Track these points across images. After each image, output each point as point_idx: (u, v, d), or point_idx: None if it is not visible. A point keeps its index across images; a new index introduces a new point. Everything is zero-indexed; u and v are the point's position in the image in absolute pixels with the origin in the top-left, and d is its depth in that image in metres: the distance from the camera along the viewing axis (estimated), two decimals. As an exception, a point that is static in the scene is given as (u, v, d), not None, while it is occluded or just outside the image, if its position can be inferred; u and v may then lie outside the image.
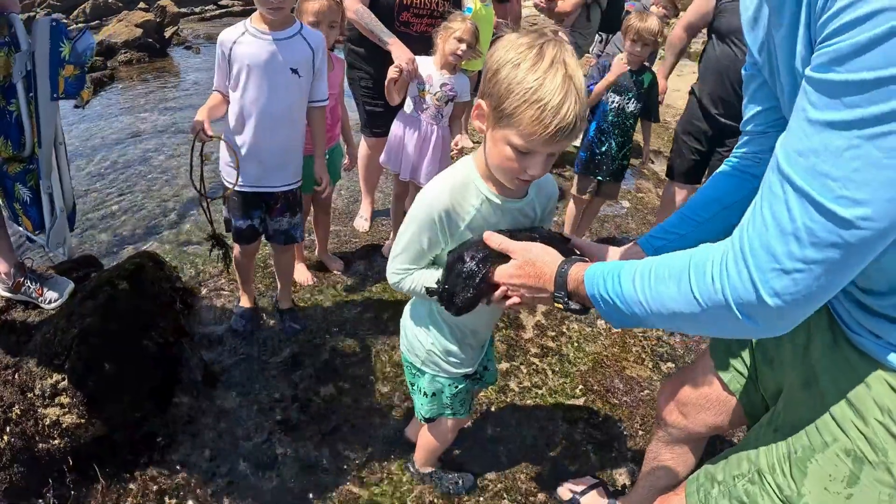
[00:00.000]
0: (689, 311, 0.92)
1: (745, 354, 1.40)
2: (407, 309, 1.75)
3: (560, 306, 1.19)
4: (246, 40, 2.26)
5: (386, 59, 2.93)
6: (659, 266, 0.98)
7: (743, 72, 1.25)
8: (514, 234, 1.32)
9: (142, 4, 11.16)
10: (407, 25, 3.08)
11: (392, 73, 2.75)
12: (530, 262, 1.23)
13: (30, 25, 2.10)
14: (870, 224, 0.73)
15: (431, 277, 1.44)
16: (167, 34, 10.15)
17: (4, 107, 2.09)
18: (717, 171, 1.40)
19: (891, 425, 0.94)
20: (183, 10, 11.66)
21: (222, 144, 2.40)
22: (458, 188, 1.38)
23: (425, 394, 1.77)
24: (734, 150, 1.38)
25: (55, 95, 2.18)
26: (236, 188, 2.43)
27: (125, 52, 9.00)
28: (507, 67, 1.15)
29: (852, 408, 0.99)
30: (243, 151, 2.39)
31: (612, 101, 3.14)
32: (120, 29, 9.30)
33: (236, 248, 2.72)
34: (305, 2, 2.62)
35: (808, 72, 0.77)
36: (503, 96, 1.16)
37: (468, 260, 1.29)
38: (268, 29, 2.26)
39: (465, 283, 1.30)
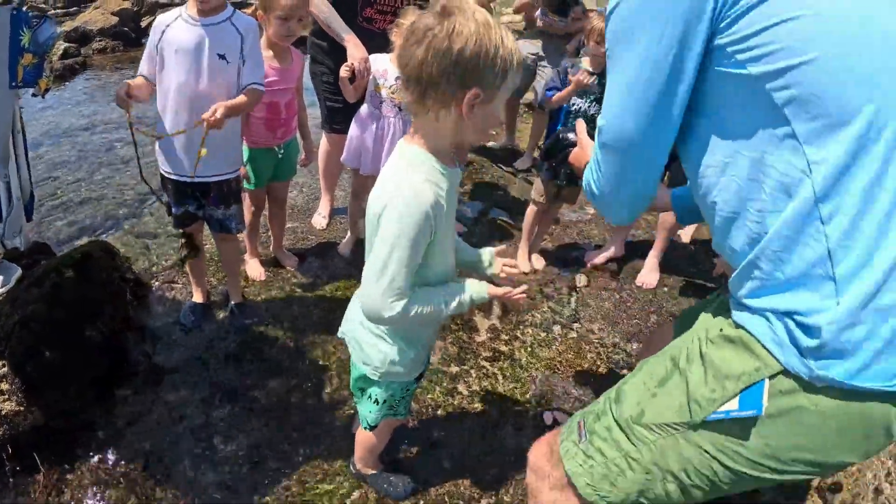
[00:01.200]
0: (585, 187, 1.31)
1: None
2: (359, 323, 1.65)
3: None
4: (178, 25, 2.28)
5: (343, 54, 2.89)
6: None
7: None
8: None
9: (118, -8, 11.00)
10: (370, 21, 3.05)
11: (343, 72, 2.71)
12: (585, 146, 1.68)
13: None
14: (605, 133, 1.15)
15: (446, 297, 1.47)
16: (143, 24, 10.03)
17: None
18: None
19: (704, 344, 1.14)
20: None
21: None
22: (430, 177, 1.37)
23: (377, 401, 1.74)
24: None
25: (13, 84, 2.17)
26: (170, 176, 2.45)
27: (100, 41, 8.89)
28: (470, 45, 1.21)
29: (692, 330, 1.22)
30: (172, 140, 2.38)
31: (574, 105, 3.10)
32: (96, 16, 9.18)
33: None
34: None
35: None
36: (474, 62, 1.23)
37: (570, 137, 1.81)
38: (198, 15, 2.28)
39: (563, 148, 1.83)
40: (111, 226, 3.78)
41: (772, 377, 1.02)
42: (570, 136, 1.78)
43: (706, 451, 1.12)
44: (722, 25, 0.97)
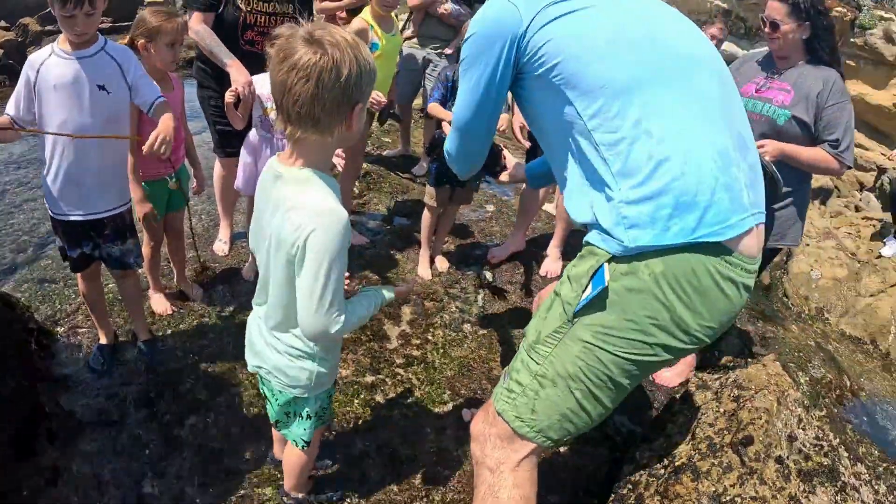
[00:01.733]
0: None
1: None
2: (274, 350, 1.69)
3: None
4: (52, 61, 2.24)
5: (227, 77, 2.94)
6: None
7: None
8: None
9: (2, 23, 10.47)
10: (252, 44, 3.08)
11: (228, 97, 2.74)
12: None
13: None
14: (455, 120, 1.72)
15: (368, 302, 1.65)
16: (29, 54, 9.60)
17: None
18: None
19: (569, 271, 1.53)
20: (48, 27, 11.00)
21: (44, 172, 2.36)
22: (333, 191, 1.47)
23: (309, 416, 1.80)
24: None
25: None
26: (60, 218, 2.41)
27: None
28: (353, 70, 1.35)
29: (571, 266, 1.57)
30: (59, 177, 2.34)
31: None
32: (-23, 49, 8.71)
33: (80, 281, 2.63)
34: (161, 22, 2.59)
35: None
36: (367, 82, 1.42)
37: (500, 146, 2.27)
38: (71, 49, 2.25)
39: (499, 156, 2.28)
40: (7, 273, 3.64)
41: (609, 262, 1.42)
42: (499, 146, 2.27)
43: (587, 342, 1.44)
44: (522, 53, 1.52)
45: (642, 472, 2.11)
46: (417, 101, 5.35)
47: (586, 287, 1.43)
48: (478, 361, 3.00)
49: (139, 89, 2.36)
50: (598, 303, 1.41)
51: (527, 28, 1.48)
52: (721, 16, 5.08)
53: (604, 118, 1.41)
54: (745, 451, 1.94)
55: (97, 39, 2.31)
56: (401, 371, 2.89)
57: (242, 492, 2.27)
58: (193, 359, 2.86)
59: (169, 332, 3.02)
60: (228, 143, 3.30)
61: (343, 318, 1.50)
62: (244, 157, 3.06)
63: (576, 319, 1.46)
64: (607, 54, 1.43)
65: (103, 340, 2.82)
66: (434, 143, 2.14)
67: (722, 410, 2.19)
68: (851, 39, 9.69)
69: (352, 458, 2.43)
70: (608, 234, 1.42)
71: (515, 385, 1.55)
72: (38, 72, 2.23)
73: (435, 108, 3.20)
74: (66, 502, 2.19)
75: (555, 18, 1.46)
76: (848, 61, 8.26)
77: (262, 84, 2.87)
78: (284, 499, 2.19)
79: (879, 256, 6.14)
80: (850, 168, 2.70)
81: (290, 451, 1.99)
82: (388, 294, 1.75)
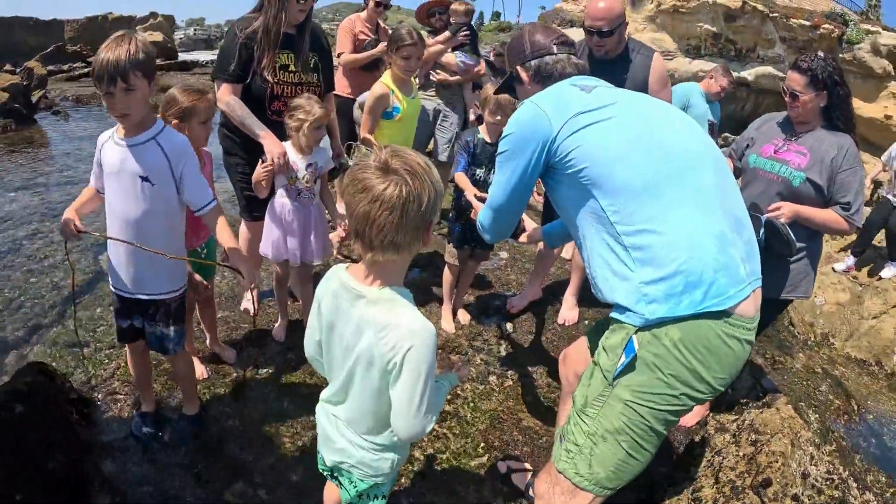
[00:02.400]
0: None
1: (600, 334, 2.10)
2: (361, 447, 1.74)
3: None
4: (108, 146, 2.28)
5: (254, 145, 3.07)
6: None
7: None
8: None
9: (7, 66, 10.59)
10: (278, 114, 3.17)
11: (261, 173, 2.85)
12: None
13: None
14: (491, 203, 2.11)
15: (442, 393, 1.75)
16: (34, 98, 9.70)
17: None
18: None
19: (604, 342, 1.81)
20: (51, 67, 11.15)
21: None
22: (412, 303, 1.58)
23: (384, 496, 1.88)
24: None
25: None
26: (113, 290, 2.48)
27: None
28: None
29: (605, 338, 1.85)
30: (114, 254, 2.40)
31: (475, 175, 3.35)
32: (-15, 93, 8.80)
33: (127, 353, 2.71)
34: (198, 102, 2.63)
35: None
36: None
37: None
38: (123, 135, 2.25)
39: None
40: (36, 339, 3.70)
41: (636, 333, 1.70)
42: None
43: (628, 401, 1.71)
44: (553, 155, 1.87)
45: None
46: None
47: (621, 356, 1.71)
48: (507, 413, 3.09)
49: (186, 188, 2.32)
50: (631, 367, 1.71)
51: (557, 134, 1.83)
52: (724, 67, 5.28)
53: (624, 214, 1.72)
54: (764, 493, 2.10)
55: (152, 125, 2.26)
56: (436, 427, 2.97)
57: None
58: (234, 422, 2.93)
59: (206, 396, 3.09)
60: (255, 208, 3.39)
61: (433, 418, 1.59)
62: (269, 224, 3.17)
63: (615, 382, 1.73)
64: (626, 161, 1.74)
65: (146, 408, 2.87)
66: (460, 210, 2.41)
67: (741, 454, 2.33)
68: (840, 55, 9.89)
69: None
70: (630, 310, 1.72)
71: (572, 446, 1.80)
72: (100, 152, 2.31)
73: (461, 180, 3.29)
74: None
75: (582, 128, 1.80)
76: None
77: (289, 153, 3.00)
78: None
79: (880, 278, 6.28)
80: (859, 228, 2.84)
81: None
82: (454, 380, 1.93)
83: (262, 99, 3.16)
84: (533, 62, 2.09)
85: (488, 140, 3.34)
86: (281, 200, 3.12)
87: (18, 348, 3.58)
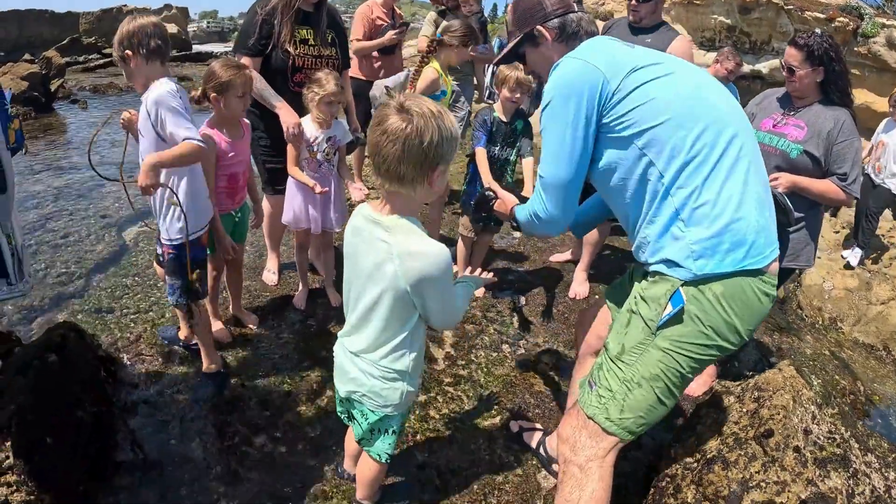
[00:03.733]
0: (529, 219, 2.10)
1: (620, 293, 2.19)
2: (372, 375, 1.87)
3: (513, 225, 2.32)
4: None
5: (276, 118, 3.21)
6: (529, 202, 2.11)
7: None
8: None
9: (26, 56, 10.77)
10: (300, 85, 3.29)
11: (291, 132, 3.10)
12: (505, 201, 2.39)
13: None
14: (547, 179, 1.92)
15: (466, 292, 2.01)
16: (53, 87, 9.87)
17: None
18: None
19: (640, 291, 1.87)
20: (67, 59, 11.32)
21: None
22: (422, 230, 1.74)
23: (395, 432, 2.01)
24: None
25: (8, 146, 2.37)
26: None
27: (11, 108, 8.65)
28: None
29: (630, 291, 1.95)
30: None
31: (493, 153, 3.47)
32: (5, 81, 8.99)
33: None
34: (231, 77, 2.76)
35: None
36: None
37: (489, 194, 2.47)
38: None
39: (486, 202, 2.48)
40: (63, 305, 3.83)
41: (683, 286, 1.74)
42: (489, 193, 2.48)
43: (667, 349, 1.78)
44: (607, 114, 1.79)
45: (677, 465, 2.34)
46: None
47: (665, 306, 1.76)
48: (519, 378, 3.19)
49: (163, 131, 2.45)
50: (675, 319, 1.76)
51: (615, 90, 1.75)
52: (731, 49, 5.31)
53: (679, 177, 1.73)
54: (766, 443, 2.17)
55: (151, 85, 2.49)
56: (450, 389, 3.08)
57: (312, 502, 2.44)
58: (255, 383, 3.05)
59: (229, 357, 3.21)
60: (278, 180, 3.52)
61: (463, 308, 1.93)
62: (291, 194, 3.30)
63: (657, 332, 1.79)
64: (686, 122, 1.72)
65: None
66: (480, 202, 2.49)
67: (745, 410, 2.41)
68: (855, 48, 9.87)
69: (413, 468, 2.60)
70: (678, 264, 1.76)
71: (605, 392, 1.86)
72: None
73: (481, 156, 3.44)
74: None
75: (643, 83, 1.74)
76: (853, 70, 8.41)
77: (307, 127, 3.12)
78: None
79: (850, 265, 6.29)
80: (856, 199, 2.93)
81: (368, 464, 2.17)
82: (479, 282, 2.17)
83: (284, 71, 3.28)
84: (556, 20, 1.95)
85: (504, 119, 3.45)
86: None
87: (47, 314, 3.70)
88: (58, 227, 4.99)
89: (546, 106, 1.84)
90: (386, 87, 4.54)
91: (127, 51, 2.46)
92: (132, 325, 3.50)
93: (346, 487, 2.47)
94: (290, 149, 3.17)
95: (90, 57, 14.41)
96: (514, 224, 2.25)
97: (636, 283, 1.92)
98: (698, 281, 1.73)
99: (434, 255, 1.66)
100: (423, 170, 1.60)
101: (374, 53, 4.83)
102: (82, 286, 4.07)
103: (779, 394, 2.37)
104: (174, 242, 2.65)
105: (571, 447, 1.91)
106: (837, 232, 6.95)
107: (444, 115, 1.59)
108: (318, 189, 3.10)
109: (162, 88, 2.45)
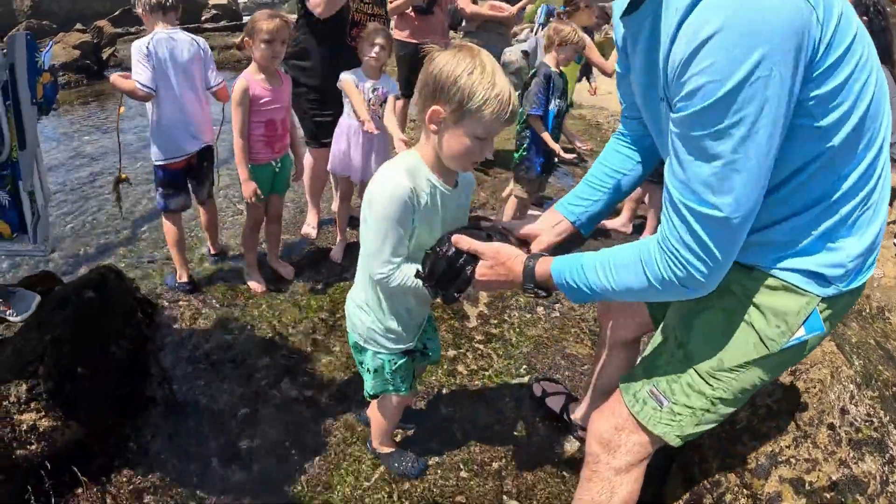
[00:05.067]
0: (644, 288, 1.34)
1: None
2: (350, 293, 1.93)
3: (530, 295, 1.55)
4: None
5: (329, 70, 3.28)
6: (615, 258, 1.38)
7: (616, 69, 1.63)
8: (472, 232, 1.62)
9: (78, 26, 11.03)
10: (354, 40, 3.39)
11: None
12: (501, 262, 1.55)
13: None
14: (736, 212, 1.16)
15: (412, 270, 1.65)
16: (104, 55, 10.09)
17: None
18: (608, 147, 1.84)
19: (751, 297, 1.40)
20: (118, 30, 11.55)
21: None
22: (412, 173, 1.60)
23: (369, 370, 1.98)
24: (618, 132, 1.83)
25: (34, 101, 2.37)
26: None
27: (63, 75, 8.93)
28: (463, 77, 1.43)
29: (722, 293, 1.39)
30: None
31: (553, 106, 3.52)
32: (57, 51, 9.20)
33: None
34: (259, 22, 2.82)
35: (673, 127, 1.18)
36: (465, 99, 1.43)
37: (454, 257, 1.57)
38: None
39: (455, 276, 1.58)
40: (108, 254, 3.93)
41: (818, 304, 1.36)
42: (452, 255, 1.59)
43: (774, 368, 1.46)
44: (811, 83, 1.13)
45: (704, 434, 2.24)
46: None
47: (798, 328, 1.38)
48: (551, 340, 3.14)
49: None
50: (805, 342, 1.40)
51: (827, 44, 1.11)
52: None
53: (861, 179, 1.28)
54: (800, 417, 2.05)
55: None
56: (480, 346, 3.06)
57: (334, 447, 2.45)
58: (287, 330, 3.08)
59: (263, 305, 3.26)
60: (324, 133, 3.56)
61: (385, 274, 1.65)
62: (337, 141, 3.35)
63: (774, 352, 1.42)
64: (879, 109, 1.26)
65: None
66: (448, 273, 1.60)
67: (779, 382, 2.32)
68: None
69: (437, 421, 2.58)
70: (823, 278, 1.34)
71: (683, 409, 1.51)
72: None
73: (538, 124, 3.56)
74: (170, 457, 2.39)
75: (851, 42, 1.16)
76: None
77: (358, 77, 3.19)
78: (369, 446, 2.40)
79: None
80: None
81: (371, 407, 2.22)
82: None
83: (344, 26, 3.40)
84: None
85: (557, 69, 3.59)
86: (348, 120, 3.30)
87: (92, 262, 3.80)
88: (105, 183, 5.11)
89: (731, 90, 1.06)
90: (524, 52, 4.78)
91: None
92: (172, 273, 3.57)
93: (366, 434, 2.47)
94: (353, 90, 3.19)
95: (141, 28, 14.65)
96: (540, 293, 1.53)
97: (734, 285, 1.42)
98: (832, 297, 1.37)
99: (386, 181, 1.56)
100: (427, 99, 1.51)
101: (411, 13, 4.81)
102: (127, 237, 4.18)
103: (816, 367, 2.27)
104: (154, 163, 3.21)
105: (608, 449, 1.64)
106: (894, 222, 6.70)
107: (476, 66, 1.44)
108: (367, 125, 3.10)
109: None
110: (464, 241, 1.57)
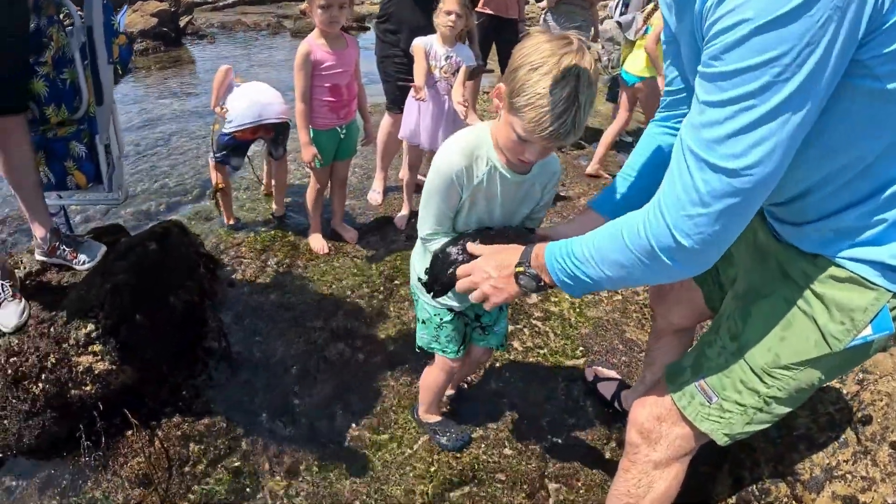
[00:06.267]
0: (626, 261, 1.17)
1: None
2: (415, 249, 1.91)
3: (521, 285, 1.39)
4: None
5: (416, 35, 3.27)
6: (600, 231, 1.24)
7: (662, 38, 1.44)
8: (491, 234, 1.56)
9: (156, -5, 11.34)
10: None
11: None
12: (497, 251, 1.47)
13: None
14: (751, 171, 0.98)
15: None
16: (182, 23, 10.34)
17: (56, 77, 2.32)
18: (648, 135, 1.63)
19: (814, 288, 1.24)
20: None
21: None
22: (470, 151, 1.53)
23: (420, 320, 1.96)
24: (658, 115, 1.62)
25: (110, 61, 2.46)
26: None
27: (141, 42, 9.20)
28: (526, 68, 1.29)
29: (778, 281, 1.32)
30: None
31: None
32: (135, 19, 9.49)
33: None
34: None
35: (699, 67, 1.02)
36: (515, 91, 1.31)
37: (451, 251, 1.55)
38: None
39: (444, 269, 1.56)
40: (176, 211, 4.03)
41: (889, 301, 1.19)
42: (453, 250, 1.57)
43: (836, 368, 1.32)
44: (868, 40, 0.94)
45: (758, 436, 2.11)
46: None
47: (864, 326, 1.24)
48: (611, 323, 3.04)
49: None
50: (870, 342, 1.26)
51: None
52: None
53: None
54: (861, 430, 1.91)
55: None
56: (538, 323, 2.98)
57: (381, 412, 2.43)
58: (345, 293, 3.09)
59: (323, 267, 3.27)
60: (406, 98, 3.53)
61: (427, 234, 1.66)
62: (408, 108, 3.35)
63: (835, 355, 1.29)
64: None
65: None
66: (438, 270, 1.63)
67: (845, 392, 2.16)
68: None
69: (486, 395, 2.54)
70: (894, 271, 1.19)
71: (734, 406, 1.39)
72: None
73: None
74: (220, 407, 2.42)
75: None
76: None
77: (433, 43, 3.17)
78: (414, 414, 2.37)
79: None
80: None
81: (422, 376, 2.19)
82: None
83: None
84: None
85: None
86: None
87: (159, 218, 3.90)
88: (178, 145, 5.24)
89: (761, 26, 0.90)
90: (618, 23, 4.88)
91: None
92: (235, 232, 3.63)
93: (414, 403, 2.44)
94: (419, 55, 3.17)
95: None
96: (537, 286, 1.38)
97: (796, 272, 1.30)
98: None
99: (443, 153, 1.54)
100: (504, 75, 1.40)
101: None
102: (195, 197, 4.27)
103: (885, 379, 2.11)
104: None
105: (648, 440, 1.54)
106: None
107: (558, 66, 1.27)
108: (419, 93, 3.10)
109: None
110: (471, 247, 1.54)
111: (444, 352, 1.99)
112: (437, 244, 1.63)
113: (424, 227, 1.65)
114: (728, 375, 1.38)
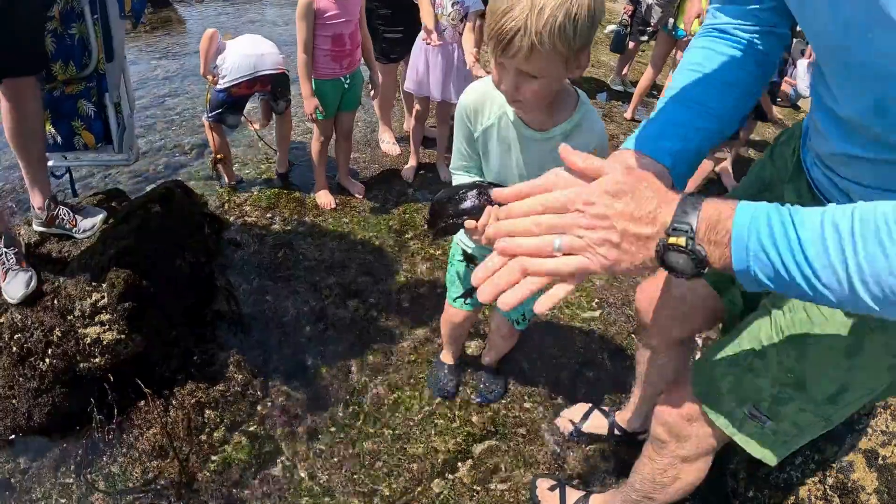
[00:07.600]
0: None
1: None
2: None
3: (668, 263, 0.76)
4: None
5: None
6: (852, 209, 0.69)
7: None
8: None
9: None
10: None
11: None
12: (633, 181, 0.79)
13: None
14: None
15: (463, 181, 1.51)
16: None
17: (65, 32, 2.22)
18: (706, 46, 1.17)
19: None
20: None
21: None
22: (484, 91, 1.44)
23: (451, 263, 1.91)
24: (709, 26, 1.19)
25: (122, 14, 2.38)
26: None
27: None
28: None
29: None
30: None
31: None
32: (124, -22, 9.21)
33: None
34: None
35: None
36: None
37: (468, 192, 1.21)
38: None
39: (450, 207, 1.23)
40: (176, 173, 3.92)
41: None
42: (471, 192, 1.21)
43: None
44: None
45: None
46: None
47: None
48: (626, 276, 3.00)
49: None
50: None
51: None
52: None
53: None
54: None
55: None
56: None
57: (398, 367, 2.41)
58: (355, 248, 3.03)
59: (331, 223, 3.20)
60: (394, 50, 3.47)
61: (453, 175, 1.63)
62: (414, 59, 3.23)
63: None
64: None
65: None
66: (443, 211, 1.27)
67: None
68: None
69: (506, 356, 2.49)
70: None
71: (791, 428, 1.24)
72: None
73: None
74: (233, 371, 2.37)
75: None
76: None
77: None
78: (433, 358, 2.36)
79: None
80: None
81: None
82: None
83: None
84: None
85: None
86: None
87: (158, 180, 3.80)
88: (173, 105, 5.10)
89: None
90: None
91: None
92: (241, 189, 3.55)
93: (430, 357, 2.42)
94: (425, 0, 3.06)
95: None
96: (694, 271, 0.76)
97: None
98: None
99: (463, 92, 1.50)
100: None
101: None
102: (195, 156, 4.15)
103: None
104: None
105: (678, 437, 1.42)
106: None
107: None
108: (432, 38, 3.00)
109: None
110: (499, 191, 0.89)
111: (448, 294, 1.95)
112: (457, 180, 1.58)
113: (452, 160, 1.62)
114: (786, 403, 1.21)
